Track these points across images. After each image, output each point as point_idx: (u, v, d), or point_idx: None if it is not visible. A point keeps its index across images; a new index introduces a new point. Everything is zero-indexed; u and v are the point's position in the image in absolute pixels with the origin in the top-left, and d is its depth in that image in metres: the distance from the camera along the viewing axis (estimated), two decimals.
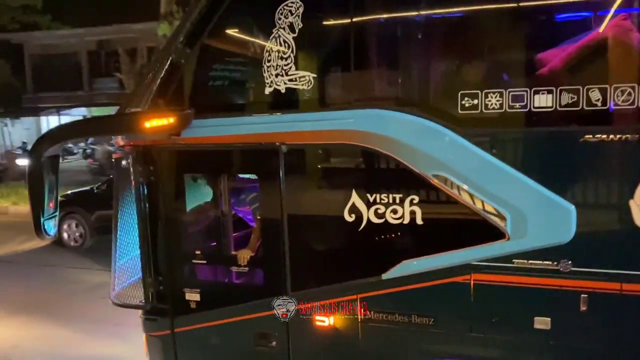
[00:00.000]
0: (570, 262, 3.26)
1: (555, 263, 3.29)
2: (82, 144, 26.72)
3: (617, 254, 3.23)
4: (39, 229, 4.29)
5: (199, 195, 4.52)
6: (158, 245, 4.24)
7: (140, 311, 4.48)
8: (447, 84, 3.62)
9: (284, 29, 3.65)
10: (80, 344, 6.68)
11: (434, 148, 3.42)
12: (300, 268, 3.88)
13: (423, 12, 3.61)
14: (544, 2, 3.47)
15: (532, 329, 3.39)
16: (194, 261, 4.24)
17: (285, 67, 3.68)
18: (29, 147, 4.03)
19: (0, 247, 11.29)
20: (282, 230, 3.85)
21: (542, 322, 3.37)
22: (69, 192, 12.41)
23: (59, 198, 4.58)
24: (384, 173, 3.66)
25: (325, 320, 3.85)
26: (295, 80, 3.68)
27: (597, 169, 3.26)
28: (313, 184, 3.87)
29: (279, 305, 3.91)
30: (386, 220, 3.57)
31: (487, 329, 3.52)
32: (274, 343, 4.01)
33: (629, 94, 3.05)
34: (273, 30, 3.67)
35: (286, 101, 3.75)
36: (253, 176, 4.51)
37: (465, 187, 3.36)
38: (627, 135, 3.07)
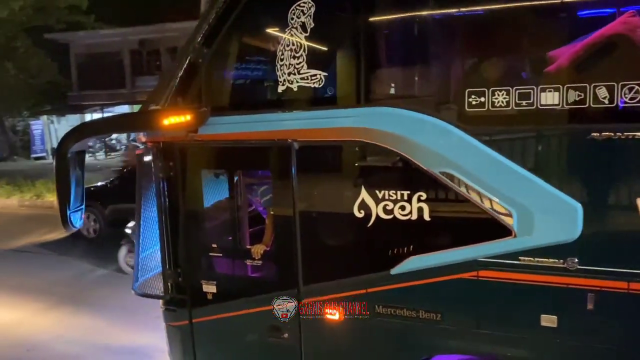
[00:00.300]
0: (576, 260, 3.25)
1: (562, 261, 3.28)
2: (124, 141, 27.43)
3: (624, 252, 3.20)
4: (65, 221, 4.51)
5: (216, 190, 4.64)
6: (177, 238, 4.38)
7: (161, 302, 4.64)
8: (455, 82, 3.64)
9: (296, 28, 3.74)
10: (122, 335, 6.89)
11: (441, 145, 3.44)
12: (311, 262, 3.96)
13: (431, 12, 3.64)
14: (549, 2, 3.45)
15: (539, 326, 3.39)
16: (210, 254, 4.37)
17: (297, 66, 3.77)
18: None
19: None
20: (294, 225, 3.93)
21: (548, 320, 3.37)
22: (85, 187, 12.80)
23: None
24: (392, 170, 3.69)
25: (335, 314, 3.92)
26: (307, 78, 3.76)
27: (604, 167, 3.23)
28: (323, 180, 3.93)
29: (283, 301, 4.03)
30: (395, 217, 3.62)
31: (493, 325, 3.54)
32: (285, 335, 4.11)
33: (637, 91, 3.02)
34: (286, 30, 3.77)
35: (298, 99, 3.84)
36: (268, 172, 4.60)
37: (472, 184, 3.38)
38: (635, 133, 3.04)
